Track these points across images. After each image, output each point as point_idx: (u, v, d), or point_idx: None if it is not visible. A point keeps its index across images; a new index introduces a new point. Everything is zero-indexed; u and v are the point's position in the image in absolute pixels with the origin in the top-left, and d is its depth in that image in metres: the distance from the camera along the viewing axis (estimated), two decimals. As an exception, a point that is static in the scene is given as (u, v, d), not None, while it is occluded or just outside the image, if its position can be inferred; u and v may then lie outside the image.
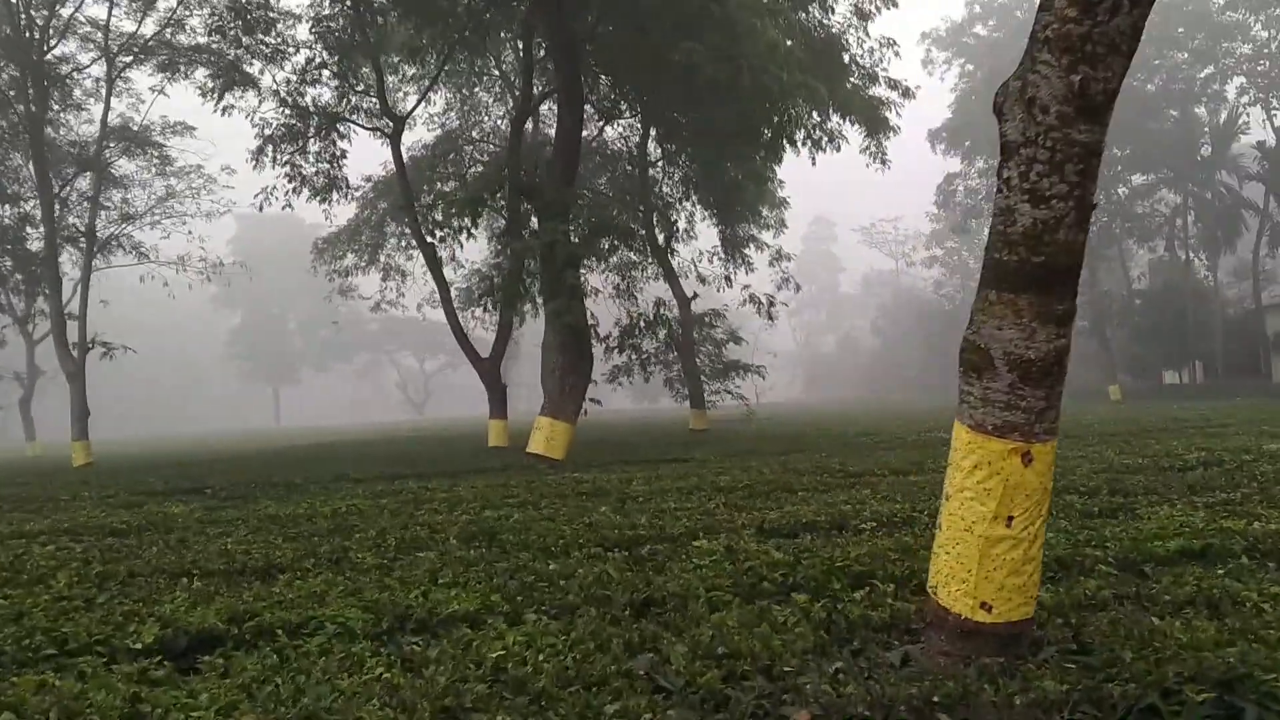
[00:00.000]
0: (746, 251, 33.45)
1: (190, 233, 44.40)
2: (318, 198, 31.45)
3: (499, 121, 41.27)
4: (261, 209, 29.60)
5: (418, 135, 58.54)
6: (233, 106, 27.80)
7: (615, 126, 34.61)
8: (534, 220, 27.13)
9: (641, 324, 21.44)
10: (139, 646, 4.89)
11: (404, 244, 44.29)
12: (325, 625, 5.13)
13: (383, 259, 44.08)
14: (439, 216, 27.50)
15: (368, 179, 38.78)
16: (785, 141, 20.04)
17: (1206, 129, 53.79)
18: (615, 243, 18.83)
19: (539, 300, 19.85)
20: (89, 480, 20.79)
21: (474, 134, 40.61)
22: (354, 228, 42.16)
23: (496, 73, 37.89)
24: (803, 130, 19.44)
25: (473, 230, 26.45)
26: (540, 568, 6.65)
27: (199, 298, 76.63)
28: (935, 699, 3.60)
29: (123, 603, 5.96)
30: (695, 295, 32.71)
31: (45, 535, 10.25)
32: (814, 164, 21.25)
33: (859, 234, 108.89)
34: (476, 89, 39.48)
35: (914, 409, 49.77)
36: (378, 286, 45.62)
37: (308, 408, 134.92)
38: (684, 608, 5.31)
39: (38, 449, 47.80)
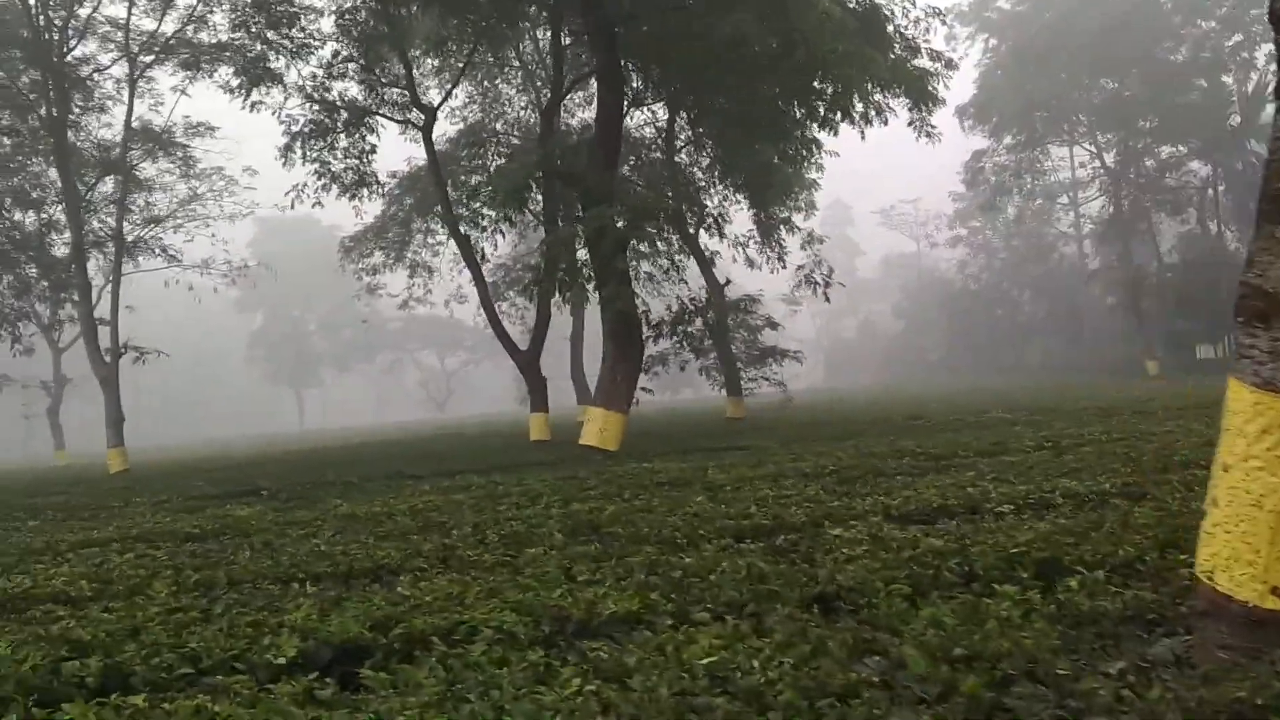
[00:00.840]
0: (780, 235, 32.80)
1: (214, 235, 44.10)
2: (347, 194, 30.98)
3: (522, 113, 40.83)
4: (292, 206, 29.18)
5: (439, 129, 58.22)
6: (261, 103, 27.28)
7: (642, 112, 33.99)
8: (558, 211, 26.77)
9: (692, 309, 20.85)
10: (281, 661, 4.41)
11: (430, 240, 43.92)
12: (480, 630, 4.64)
13: (409, 256, 43.67)
14: (479, 208, 26.87)
15: (393, 175, 38.27)
16: (839, 114, 19.42)
17: (1235, 98, 52.86)
18: (663, 226, 18.21)
19: (588, 288, 19.32)
20: (132, 486, 20.39)
21: (498, 126, 40.14)
22: (381, 225, 41.70)
23: (517, 64, 37.42)
24: (860, 101, 18.83)
25: (513, 220, 25.95)
26: (676, 561, 6.14)
27: (219, 301, 76.45)
28: (1259, 701, 3.08)
29: (243, 613, 5.48)
30: (729, 281, 32.12)
31: (117, 543, 9.80)
32: (863, 138, 20.66)
33: (878, 216, 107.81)
34: (498, 80, 39.02)
35: (947, 391, 49.18)
36: (405, 284, 45.29)
37: (330, 409, 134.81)
38: (869, 603, 4.81)
39: (65, 458, 47.53)
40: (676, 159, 32.43)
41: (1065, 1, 51.15)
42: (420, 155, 41.41)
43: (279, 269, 75.42)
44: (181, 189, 40.74)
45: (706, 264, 32.04)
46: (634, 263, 30.59)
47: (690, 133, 31.98)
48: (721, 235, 28.70)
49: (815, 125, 20.46)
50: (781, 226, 32.56)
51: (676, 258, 30.09)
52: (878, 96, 19.53)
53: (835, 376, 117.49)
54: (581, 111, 39.26)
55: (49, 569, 8.07)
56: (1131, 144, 52.34)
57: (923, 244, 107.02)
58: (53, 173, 36.81)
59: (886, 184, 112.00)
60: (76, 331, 41.75)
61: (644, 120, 35.10)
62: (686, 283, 26.06)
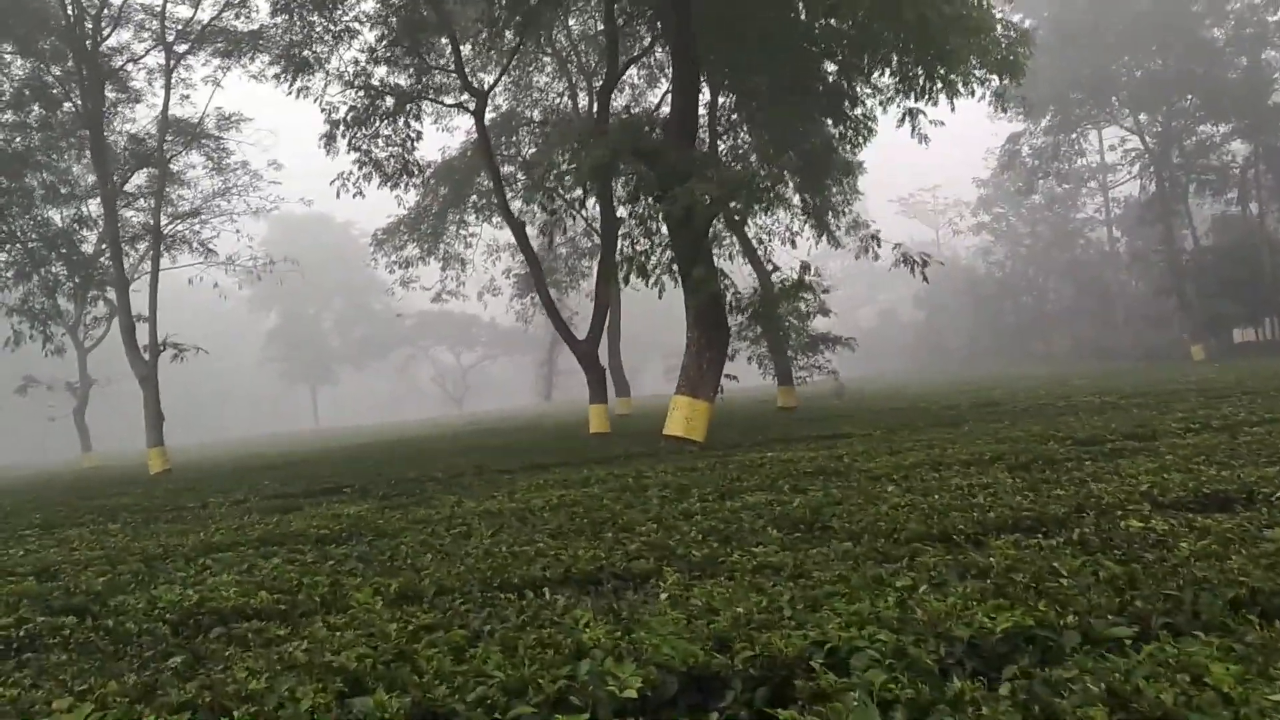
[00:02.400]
0: (830, 219, 31.77)
1: (239, 231, 43.33)
2: (388, 184, 30.12)
3: (557, 100, 39.93)
4: (338, 195, 28.18)
5: (469, 119, 57.51)
6: (306, 88, 26.36)
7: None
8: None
9: (780, 290, 19.81)
10: (629, 695, 3.50)
11: (463, 232, 43.09)
12: (856, 651, 3.71)
13: (442, 249, 42.85)
14: (552, 189, 26.01)
15: (428, 165, 37.42)
16: (940, 83, 18.41)
17: (1277, 75, 51.71)
18: (755, 203, 17.19)
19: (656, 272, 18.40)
20: (193, 486, 19.49)
21: (534, 114, 39.30)
22: (415, 216, 40.84)
23: (549, 51, 36.51)
24: (963, 67, 17.83)
25: (585, 203, 25.16)
26: (986, 562, 5.20)
27: (232, 301, 75.55)
28: None
29: (512, 631, 4.55)
30: (776, 268, 31.16)
31: (243, 546, 8.88)
32: (953, 109, 19.64)
33: (896, 204, 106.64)
34: (530, 68, 38.13)
35: (993, 378, 48.20)
36: (438, 277, 44.50)
37: (341, 407, 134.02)
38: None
39: (94, 460, 46.68)
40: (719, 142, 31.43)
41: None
42: (453, 144, 40.77)
43: (282, 269, 74.89)
44: (206, 184, 39.99)
45: (752, 249, 31.12)
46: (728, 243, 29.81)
47: (735, 114, 30.93)
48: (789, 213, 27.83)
49: (915, 96, 19.32)
50: (831, 211, 31.57)
51: (762, 237, 29.32)
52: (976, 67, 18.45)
53: (854, 366, 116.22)
54: (619, 96, 38.54)
55: (197, 577, 7.17)
56: (1174, 124, 51.20)
57: (942, 231, 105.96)
58: (78, 168, 36.08)
59: (899, 173, 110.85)
60: (102, 331, 40.98)
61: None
62: (772, 263, 25.00)
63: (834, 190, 30.87)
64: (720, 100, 28.76)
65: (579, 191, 22.12)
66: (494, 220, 43.75)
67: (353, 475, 17.72)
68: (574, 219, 39.62)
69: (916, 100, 19.45)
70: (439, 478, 15.43)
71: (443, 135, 34.50)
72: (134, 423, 32.00)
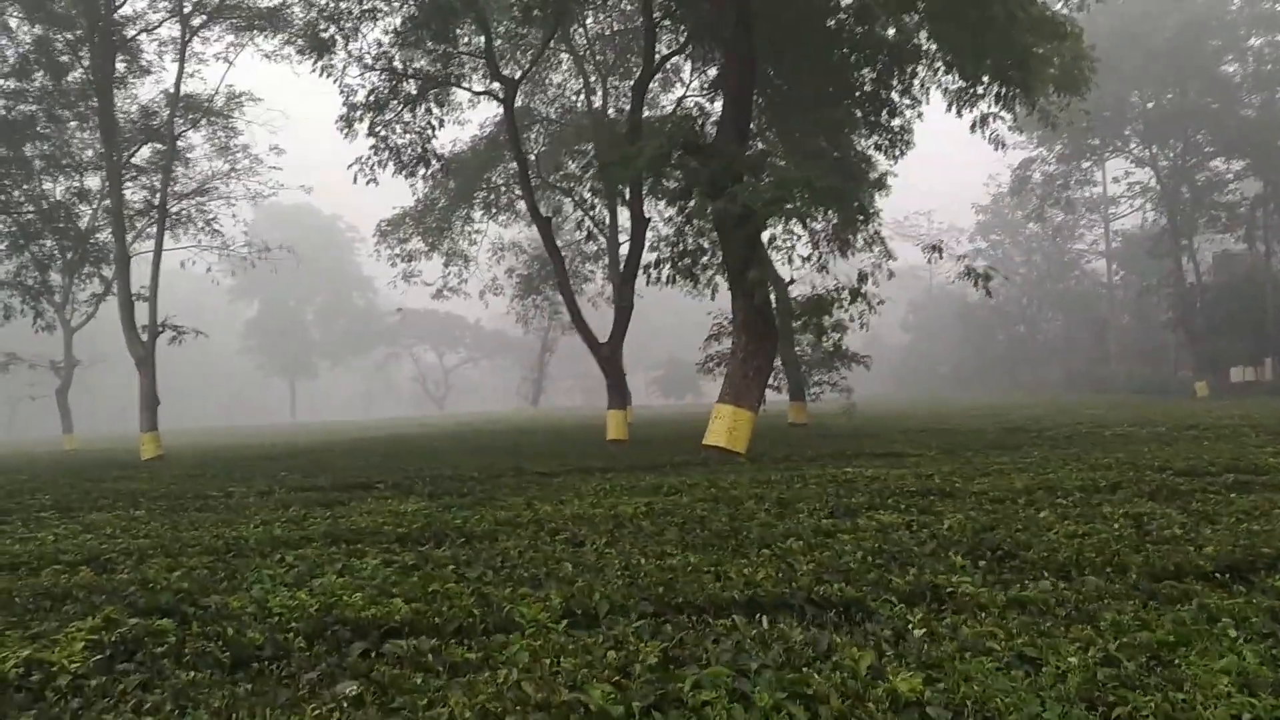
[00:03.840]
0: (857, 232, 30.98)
1: (235, 216, 42.31)
2: (403, 171, 29.19)
3: (574, 98, 39.15)
4: (355, 180, 27.17)
5: (485, 112, 56.64)
6: (331, 67, 25.39)
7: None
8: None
9: (835, 296, 18.84)
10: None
11: (468, 228, 42.17)
12: None
13: (446, 244, 41.89)
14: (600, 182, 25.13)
15: (439, 157, 36.55)
16: (1020, 90, 17.63)
17: (1290, 113, 51.54)
18: (818, 204, 16.31)
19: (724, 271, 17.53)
20: (202, 475, 18.41)
21: (550, 112, 38.52)
22: (422, 210, 39.88)
23: (564, 48, 35.74)
24: (1048, 70, 17.05)
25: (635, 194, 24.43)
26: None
27: (212, 291, 74.01)
28: None
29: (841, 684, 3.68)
30: (793, 280, 30.39)
31: (316, 544, 7.95)
32: (1014, 121, 18.88)
33: (889, 228, 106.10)
34: (547, 66, 37.37)
35: (997, 405, 47.62)
36: (439, 273, 43.50)
37: (317, 402, 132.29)
38: None
39: (74, 442, 45.22)
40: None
41: (1134, 7, 49.55)
42: (464, 137, 39.86)
43: (276, 257, 73.91)
44: (205, 166, 38.90)
45: (767, 259, 30.36)
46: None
47: (762, 118, 30.11)
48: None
49: (994, 101, 18.57)
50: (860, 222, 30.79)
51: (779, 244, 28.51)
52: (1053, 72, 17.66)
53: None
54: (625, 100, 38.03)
55: (289, 576, 6.26)
56: (1187, 158, 50.93)
57: (933, 257, 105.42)
58: (79, 139, 34.92)
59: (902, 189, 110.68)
60: (96, 309, 39.73)
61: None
62: (827, 270, 24.07)
63: (866, 202, 30.13)
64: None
65: (585, 191, 21.19)
66: (499, 218, 42.94)
67: (375, 471, 16.79)
68: (580, 221, 38.88)
69: (994, 105, 18.68)
70: (477, 477, 14.54)
71: (453, 129, 33.73)
72: (107, 406, 30.86)
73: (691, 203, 17.89)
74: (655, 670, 3.64)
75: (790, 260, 29.55)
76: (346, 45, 26.04)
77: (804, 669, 3.64)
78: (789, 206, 16.71)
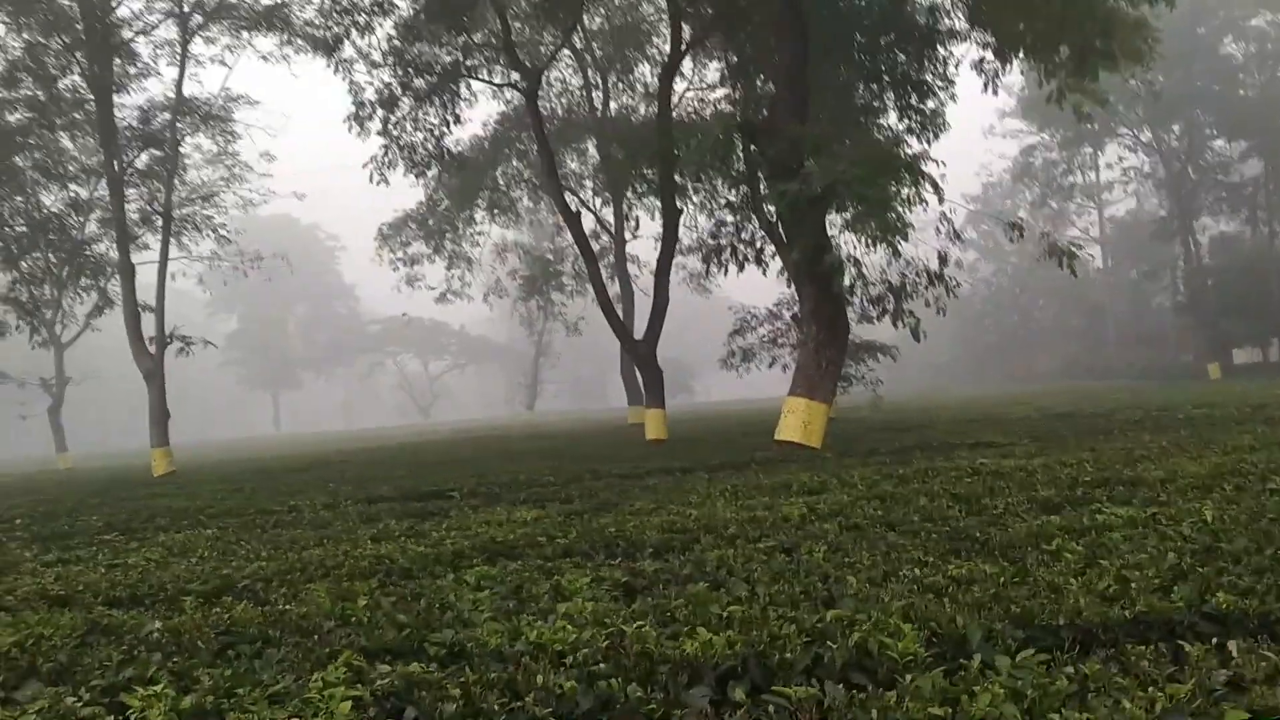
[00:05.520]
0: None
1: (225, 225, 41.10)
2: (414, 171, 28.29)
3: (576, 94, 38.31)
4: (371, 179, 26.25)
5: (491, 108, 55.41)
6: (346, 62, 24.43)
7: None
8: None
9: (913, 280, 17.80)
10: None
11: (471, 230, 41.25)
12: None
13: (449, 247, 40.93)
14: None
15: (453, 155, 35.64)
16: (1094, 62, 16.90)
17: (1293, 94, 51.28)
18: (901, 182, 15.40)
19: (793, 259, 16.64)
20: (239, 488, 17.35)
21: (557, 109, 37.66)
22: (422, 213, 38.92)
23: (568, 49, 34.89)
24: (1135, 38, 16.32)
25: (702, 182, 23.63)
26: None
27: (190, 303, 72.34)
28: None
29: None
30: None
31: (476, 559, 7.01)
32: (1061, 102, 18.12)
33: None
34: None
35: (1009, 395, 47.06)
36: (442, 276, 42.55)
37: (299, 414, 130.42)
38: None
39: (68, 461, 43.80)
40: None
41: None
42: (466, 136, 38.90)
43: (269, 266, 72.64)
44: (194, 175, 37.68)
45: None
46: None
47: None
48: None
49: (1068, 72, 17.80)
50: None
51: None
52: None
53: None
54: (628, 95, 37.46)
55: (519, 608, 5.33)
56: (1192, 139, 50.63)
57: (922, 248, 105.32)
58: (73, 147, 33.74)
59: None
60: (99, 322, 38.50)
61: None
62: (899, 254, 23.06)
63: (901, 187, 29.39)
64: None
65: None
66: (500, 219, 41.99)
67: (434, 478, 15.81)
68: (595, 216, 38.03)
69: (1073, 75, 17.88)
70: (553, 480, 13.63)
71: (453, 128, 32.67)
72: (98, 423, 29.73)
73: (760, 188, 17.03)
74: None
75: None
76: (363, 36, 25.11)
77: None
78: (877, 183, 15.74)
